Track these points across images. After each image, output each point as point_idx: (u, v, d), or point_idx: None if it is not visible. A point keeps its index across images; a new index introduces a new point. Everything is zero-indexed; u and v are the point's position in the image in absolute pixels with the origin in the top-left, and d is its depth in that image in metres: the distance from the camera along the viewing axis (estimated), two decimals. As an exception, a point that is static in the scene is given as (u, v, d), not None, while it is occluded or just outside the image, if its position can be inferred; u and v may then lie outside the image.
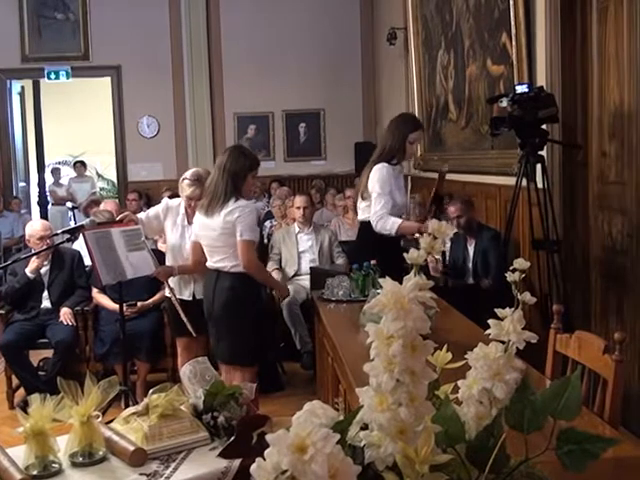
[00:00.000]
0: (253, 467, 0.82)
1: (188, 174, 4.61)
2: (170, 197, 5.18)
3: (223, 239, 4.10)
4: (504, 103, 4.39)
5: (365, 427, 1.02)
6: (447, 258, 5.49)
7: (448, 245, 5.53)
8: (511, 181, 4.77)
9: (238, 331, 4.13)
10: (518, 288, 1.17)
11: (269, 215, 7.77)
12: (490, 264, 5.10)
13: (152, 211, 4.76)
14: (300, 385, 5.34)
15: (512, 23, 5.26)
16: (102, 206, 6.59)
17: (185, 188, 4.55)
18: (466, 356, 1.08)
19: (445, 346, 1.23)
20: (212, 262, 4.20)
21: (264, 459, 0.85)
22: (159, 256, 4.71)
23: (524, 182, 4.44)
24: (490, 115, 5.42)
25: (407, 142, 4.39)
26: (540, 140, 4.36)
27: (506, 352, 1.06)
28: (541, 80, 4.88)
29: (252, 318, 4.14)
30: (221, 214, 4.08)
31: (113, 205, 6.46)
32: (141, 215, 4.74)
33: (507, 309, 1.11)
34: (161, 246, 5.41)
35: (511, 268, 1.21)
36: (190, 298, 4.56)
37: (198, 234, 4.28)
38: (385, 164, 4.35)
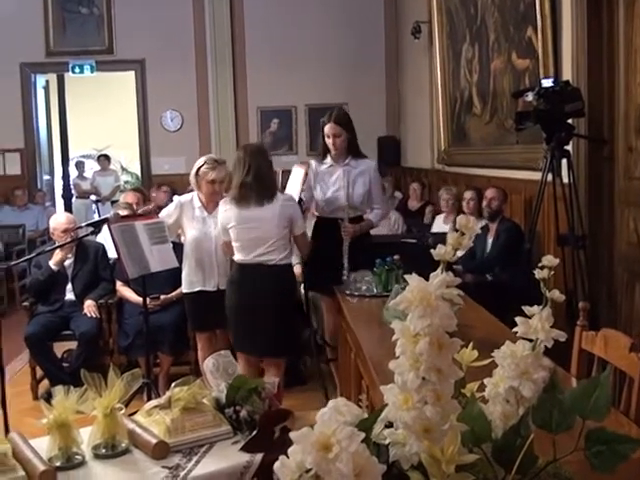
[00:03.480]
0: (277, 465, 0.81)
1: (201, 160, 4.62)
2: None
3: (277, 231, 4.18)
4: (529, 97, 4.34)
5: (390, 425, 1.01)
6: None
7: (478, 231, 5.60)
8: (536, 176, 4.72)
9: (289, 322, 4.30)
10: (546, 286, 1.15)
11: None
12: (501, 254, 5.16)
13: (164, 213, 4.75)
14: (320, 379, 5.31)
15: (538, 16, 5.20)
16: (121, 198, 6.59)
17: (208, 172, 4.54)
18: (493, 354, 1.06)
19: (471, 343, 1.21)
20: (252, 256, 4.19)
21: (287, 454, 0.84)
22: (180, 250, 4.74)
23: (549, 177, 4.40)
24: (515, 109, 5.37)
25: (325, 137, 4.67)
26: (566, 135, 4.31)
27: (534, 350, 1.04)
28: (567, 74, 4.82)
29: (295, 309, 4.42)
30: (275, 206, 4.16)
31: (133, 197, 6.42)
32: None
33: (535, 307, 1.09)
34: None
35: (539, 265, 1.19)
36: (215, 289, 4.58)
37: (236, 228, 4.21)
38: (312, 161, 4.80)
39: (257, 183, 4.15)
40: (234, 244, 4.26)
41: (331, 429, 0.80)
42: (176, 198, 4.86)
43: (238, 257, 4.26)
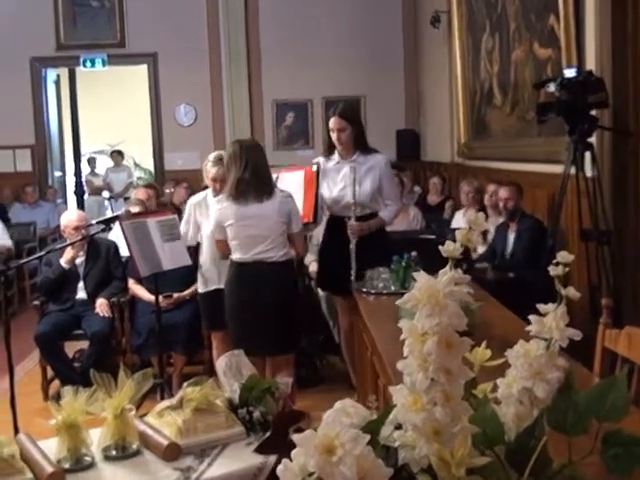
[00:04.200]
0: (279, 468, 0.81)
1: (211, 156, 4.69)
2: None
3: (276, 228, 4.19)
4: (551, 88, 4.32)
5: (399, 427, 1.00)
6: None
7: (492, 232, 5.58)
8: (559, 169, 4.69)
9: (292, 319, 4.30)
10: (561, 282, 1.15)
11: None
12: (525, 253, 5.12)
13: (183, 223, 4.77)
14: (338, 379, 5.32)
15: (560, 4, 5.16)
16: (133, 195, 6.61)
17: (209, 170, 4.61)
18: (506, 353, 1.06)
19: (484, 343, 1.21)
20: (251, 254, 4.19)
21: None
22: (195, 251, 4.79)
23: (572, 170, 4.37)
24: (537, 101, 5.34)
25: (330, 131, 4.60)
26: (589, 126, 4.29)
27: (548, 350, 1.03)
28: (590, 64, 4.79)
29: (297, 305, 4.40)
30: (274, 203, 4.18)
31: (145, 193, 6.44)
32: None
33: (550, 304, 1.09)
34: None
35: (554, 261, 1.18)
36: (221, 286, 4.60)
37: (235, 226, 4.22)
38: (320, 157, 4.73)
39: (255, 179, 4.15)
40: (232, 242, 4.24)
41: (334, 431, 0.80)
42: (189, 201, 4.90)
43: (236, 256, 4.25)
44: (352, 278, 4.37)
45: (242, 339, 4.23)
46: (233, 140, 4.53)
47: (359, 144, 4.60)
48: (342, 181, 4.58)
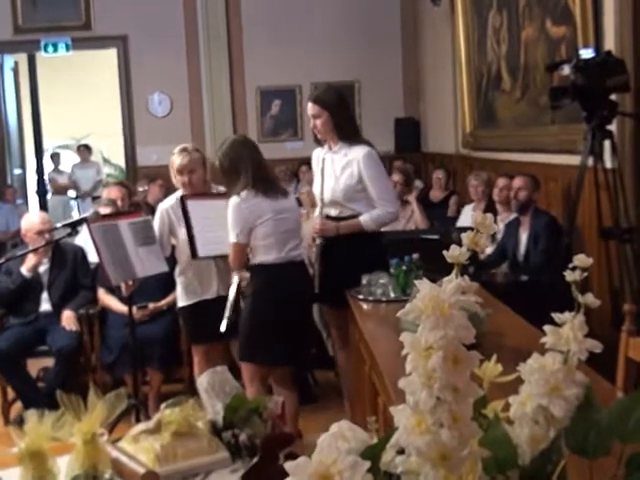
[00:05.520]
0: (270, 500, 0.82)
1: (175, 149, 4.70)
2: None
3: (299, 223, 4.48)
4: (566, 70, 4.34)
5: (402, 452, 1.01)
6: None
7: (501, 229, 5.60)
8: (575, 161, 4.71)
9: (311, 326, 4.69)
10: (578, 289, 1.15)
11: (297, 203, 7.77)
12: (541, 257, 5.13)
13: (156, 230, 4.73)
14: (334, 397, 5.33)
15: (575, -23, 5.19)
16: (102, 194, 6.60)
17: (174, 160, 4.61)
18: (519, 368, 1.06)
19: (494, 356, 1.21)
20: (285, 251, 4.28)
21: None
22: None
23: (590, 161, 4.39)
24: (550, 85, 5.36)
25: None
26: (608, 113, 4.31)
27: (566, 364, 1.04)
28: (609, 43, 4.81)
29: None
30: (290, 197, 4.47)
31: (116, 192, 6.44)
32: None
33: (566, 313, 1.09)
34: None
35: (571, 265, 1.19)
36: (215, 296, 4.60)
37: (273, 220, 4.25)
38: (318, 148, 4.72)
39: (272, 174, 4.35)
40: (264, 242, 4.22)
41: (331, 458, 0.80)
42: (160, 207, 4.85)
43: (271, 257, 4.25)
44: (315, 290, 4.44)
45: (277, 351, 4.29)
46: (231, 139, 4.52)
47: (342, 133, 4.50)
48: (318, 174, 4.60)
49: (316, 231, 4.49)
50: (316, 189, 4.62)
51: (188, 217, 4.45)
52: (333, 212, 4.50)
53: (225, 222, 4.26)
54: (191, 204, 4.48)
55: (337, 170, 4.45)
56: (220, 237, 4.37)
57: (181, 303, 4.77)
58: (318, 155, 4.65)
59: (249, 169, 4.23)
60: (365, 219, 4.44)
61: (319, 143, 4.67)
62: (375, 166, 4.47)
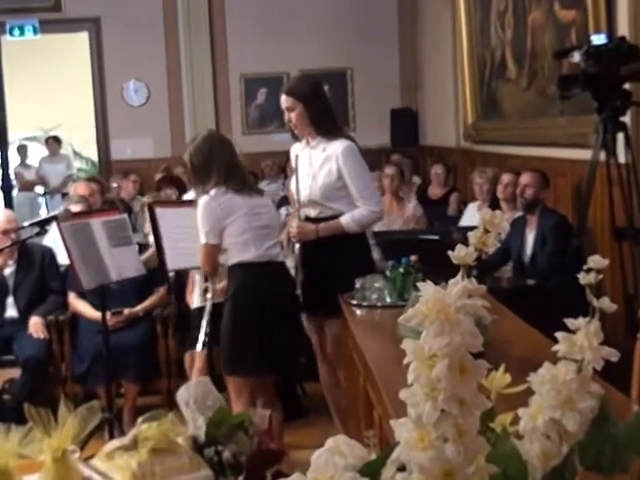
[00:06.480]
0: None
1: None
2: (164, 179, 5.21)
3: (277, 221, 4.53)
4: (576, 57, 4.35)
5: (403, 468, 1.01)
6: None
7: (507, 228, 5.60)
8: (586, 155, 4.72)
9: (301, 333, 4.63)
10: (593, 292, 1.16)
11: (284, 201, 7.76)
12: (550, 261, 5.14)
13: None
14: (325, 410, 5.32)
15: (585, -43, 5.21)
16: (72, 190, 6.59)
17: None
18: (529, 378, 1.06)
19: (502, 366, 1.22)
20: (264, 249, 4.27)
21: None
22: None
23: (602, 156, 4.40)
24: (558, 73, 5.37)
25: None
26: (622, 103, 4.32)
27: (580, 373, 1.04)
28: (623, 29, 4.83)
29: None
30: (265, 195, 4.49)
31: (87, 188, 6.42)
32: None
33: (580, 319, 1.09)
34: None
35: (585, 267, 1.19)
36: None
37: (247, 216, 4.24)
38: (297, 144, 4.69)
39: (246, 172, 4.39)
40: (240, 238, 4.21)
41: (327, 475, 0.80)
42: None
43: (250, 254, 4.23)
44: (297, 292, 4.43)
45: (263, 359, 4.27)
46: (204, 134, 4.51)
47: (319, 127, 4.46)
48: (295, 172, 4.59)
49: (293, 235, 4.46)
50: (292, 189, 4.61)
51: (157, 226, 4.44)
52: (313, 213, 4.46)
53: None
54: (160, 212, 4.47)
55: (315, 167, 4.43)
56: (192, 249, 4.37)
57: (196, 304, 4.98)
58: (295, 151, 4.62)
59: (221, 166, 4.22)
60: (346, 219, 4.40)
61: (297, 139, 4.61)
62: (355, 161, 4.41)
